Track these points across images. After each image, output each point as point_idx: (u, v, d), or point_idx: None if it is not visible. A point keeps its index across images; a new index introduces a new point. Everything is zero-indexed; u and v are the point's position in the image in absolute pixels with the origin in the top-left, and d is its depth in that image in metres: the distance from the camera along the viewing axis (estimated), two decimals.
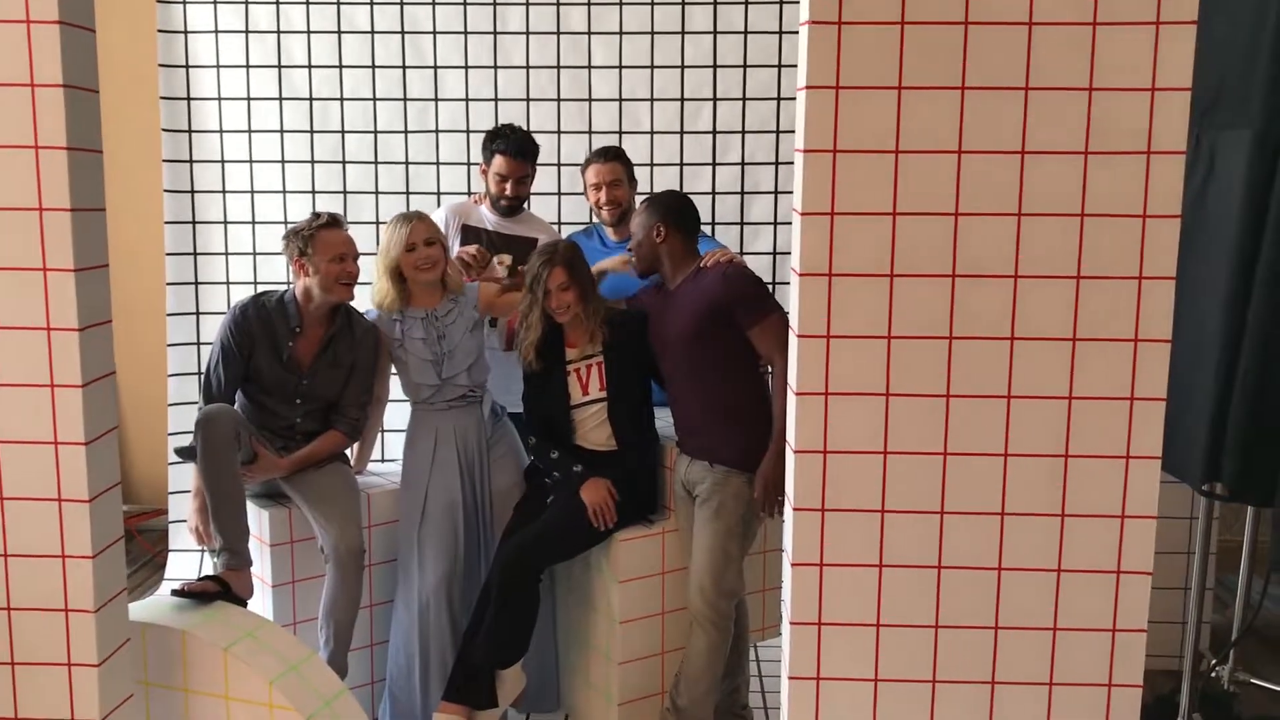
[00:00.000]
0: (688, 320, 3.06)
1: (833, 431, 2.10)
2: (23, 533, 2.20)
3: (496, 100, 4.42)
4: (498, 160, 3.59)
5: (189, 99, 4.45)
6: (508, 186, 3.60)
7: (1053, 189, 2.01)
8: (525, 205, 3.76)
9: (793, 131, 4.16)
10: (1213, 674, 3.15)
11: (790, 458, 2.16)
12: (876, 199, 2.03)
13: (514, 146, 3.60)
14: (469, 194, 4.35)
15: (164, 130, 4.45)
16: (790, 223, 4.27)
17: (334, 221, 3.20)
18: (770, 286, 3.75)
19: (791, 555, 2.16)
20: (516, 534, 3.19)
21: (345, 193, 4.43)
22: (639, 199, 3.48)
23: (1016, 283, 2.04)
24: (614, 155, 3.64)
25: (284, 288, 3.29)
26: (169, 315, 4.51)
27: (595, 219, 3.80)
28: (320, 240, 3.13)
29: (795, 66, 4.22)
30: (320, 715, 2.57)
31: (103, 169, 2.24)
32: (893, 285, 2.05)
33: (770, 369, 3.08)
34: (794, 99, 4.35)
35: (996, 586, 2.15)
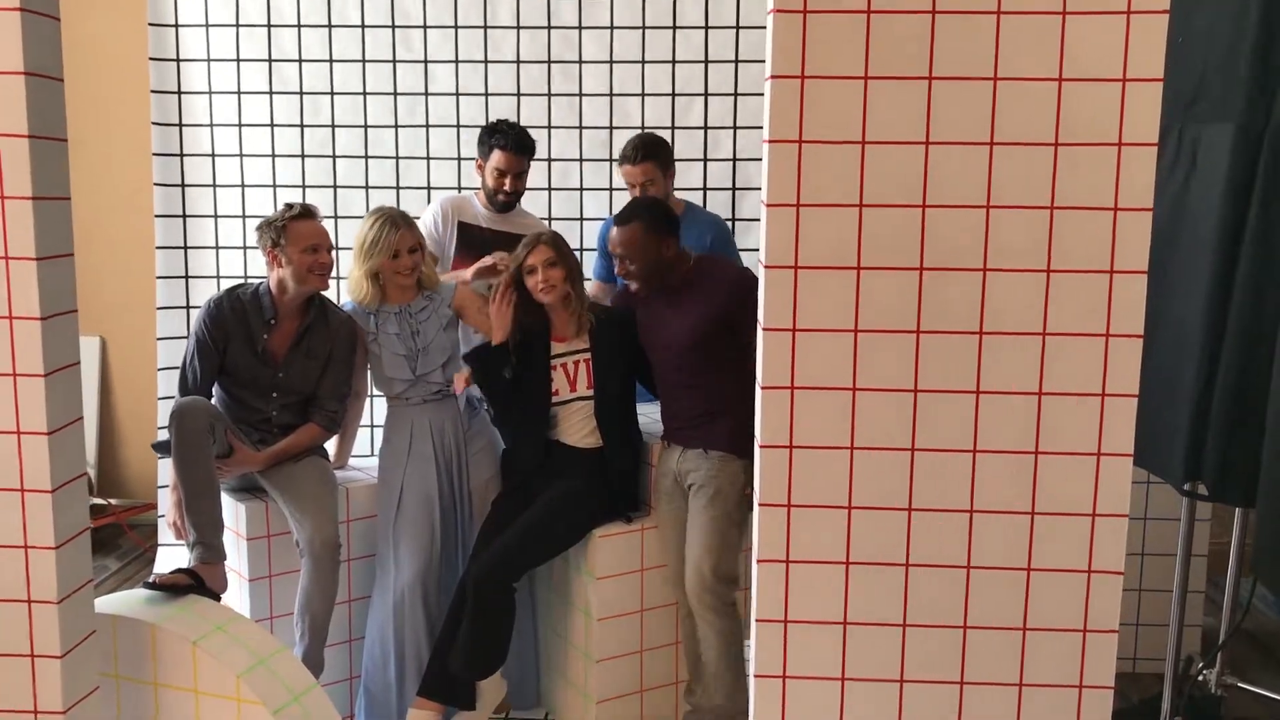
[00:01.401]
0: (691, 328, 3.06)
1: (799, 426, 2.07)
2: None
3: (487, 95, 4.40)
4: (496, 155, 3.58)
5: (179, 92, 4.44)
6: (506, 181, 3.60)
7: (1022, 181, 1.98)
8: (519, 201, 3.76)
9: None
10: (1200, 677, 3.11)
11: (756, 453, 2.13)
12: (843, 190, 2.00)
13: (513, 142, 3.60)
14: (459, 189, 4.34)
15: (154, 124, 4.44)
16: None
17: (306, 212, 3.19)
18: None
19: (757, 552, 2.13)
20: (492, 543, 3.15)
21: (335, 187, 4.41)
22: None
23: (985, 276, 2.01)
24: (646, 155, 3.59)
25: (257, 282, 3.28)
26: (159, 309, 4.50)
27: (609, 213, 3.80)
28: (292, 231, 3.12)
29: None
30: (288, 710, 2.55)
31: (67, 157, 2.22)
32: (859, 278, 2.02)
33: None
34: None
35: (966, 585, 2.12)
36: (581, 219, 4.42)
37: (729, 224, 4.31)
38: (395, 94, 4.41)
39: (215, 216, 4.49)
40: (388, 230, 3.20)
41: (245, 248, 4.49)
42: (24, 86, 2.07)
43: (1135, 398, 2.03)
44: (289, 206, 3.20)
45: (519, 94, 4.41)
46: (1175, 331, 2.57)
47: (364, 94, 4.40)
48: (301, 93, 4.40)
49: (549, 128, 4.40)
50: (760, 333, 2.06)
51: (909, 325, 2.03)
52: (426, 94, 4.40)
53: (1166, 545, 3.57)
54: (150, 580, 2.74)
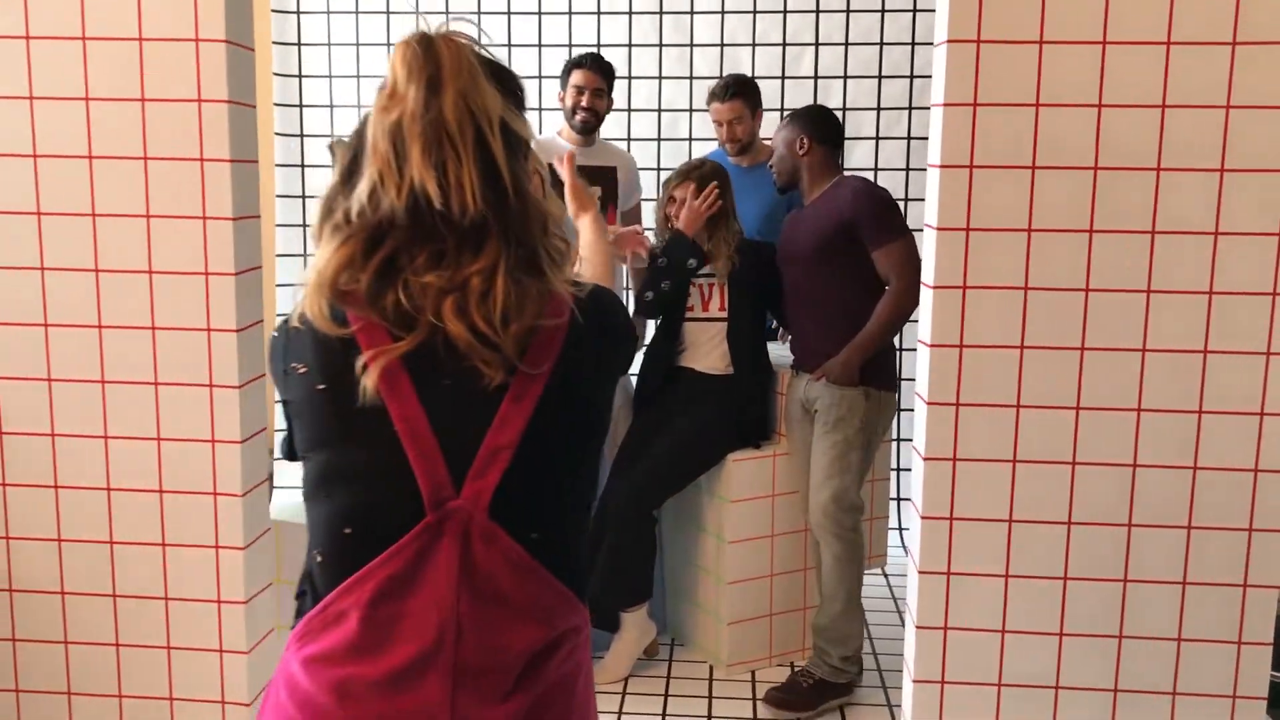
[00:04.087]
0: (814, 235, 3.09)
1: (965, 386, 2.12)
2: (177, 418, 2.30)
3: (599, 46, 4.46)
4: (574, 74, 3.65)
5: (300, 76, 4.56)
6: (584, 98, 3.63)
7: (1199, 80, 2.01)
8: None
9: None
10: None
11: (921, 409, 2.18)
12: (1020, 92, 2.04)
13: (590, 60, 3.68)
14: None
15: (276, 105, 4.55)
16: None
17: None
18: None
19: (921, 509, 2.18)
20: (627, 472, 3.23)
21: None
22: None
23: (1159, 176, 2.05)
24: (735, 93, 3.66)
25: None
26: (277, 286, 4.63)
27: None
28: None
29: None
30: None
31: (256, 127, 2.33)
32: (1034, 177, 2.06)
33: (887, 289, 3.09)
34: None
35: (1127, 539, 2.16)
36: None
37: None
38: (509, 45, 4.49)
39: (302, 166, 4.60)
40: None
41: None
42: (224, 54, 2.17)
43: None
44: None
45: (630, 45, 4.47)
46: None
47: (479, 45, 4.48)
48: (389, 45, 4.49)
49: (659, 78, 4.46)
50: (928, 294, 2.11)
51: (1082, 225, 2.07)
52: (540, 46, 4.48)
53: None
54: None
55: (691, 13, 4.44)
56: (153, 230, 2.24)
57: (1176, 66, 2.00)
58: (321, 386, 1.15)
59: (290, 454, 1.24)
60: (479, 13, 4.47)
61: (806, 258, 3.12)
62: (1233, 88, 2.00)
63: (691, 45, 4.45)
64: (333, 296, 1.15)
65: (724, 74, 4.42)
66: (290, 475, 4.49)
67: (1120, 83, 2.01)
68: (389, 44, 4.49)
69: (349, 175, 1.17)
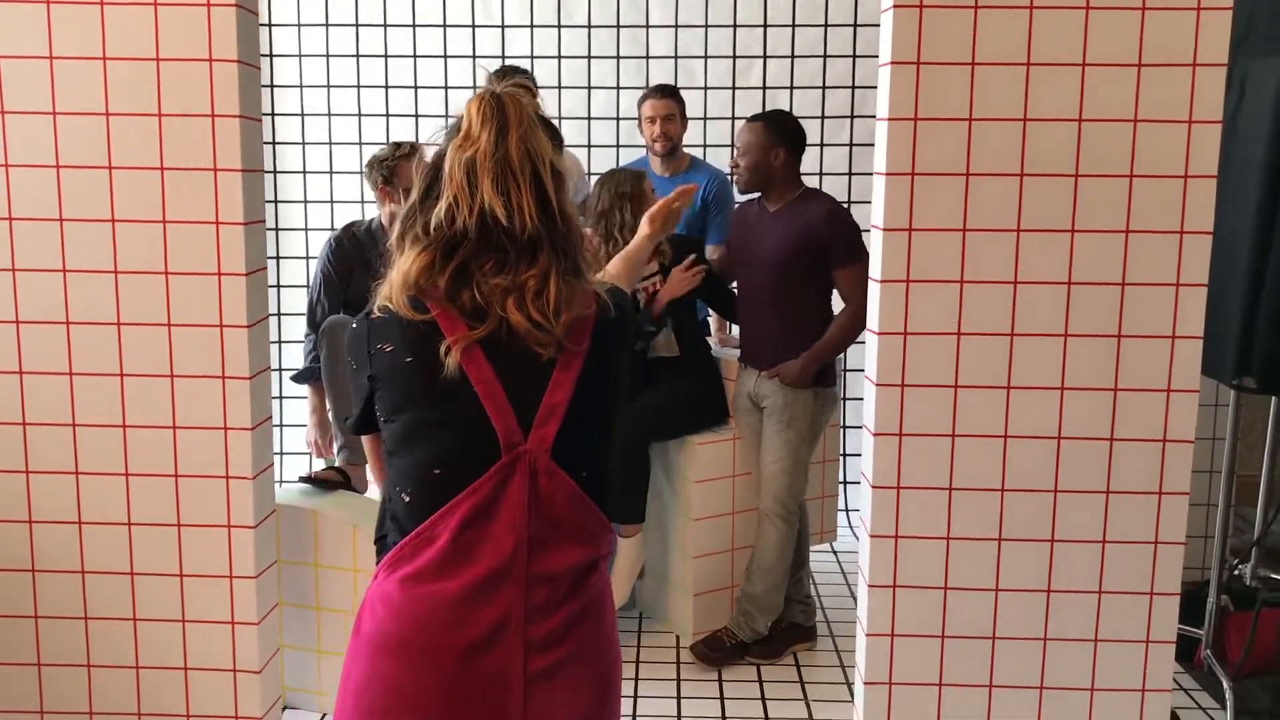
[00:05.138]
0: (783, 245, 3.33)
1: (909, 369, 2.38)
2: (192, 407, 2.49)
3: (560, 58, 4.69)
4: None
5: (270, 56, 4.73)
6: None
7: (1108, 98, 2.29)
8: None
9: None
10: (1235, 572, 3.44)
11: (870, 390, 2.44)
12: (956, 109, 2.31)
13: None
14: None
15: None
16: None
17: (414, 150, 3.48)
18: None
19: (872, 479, 2.44)
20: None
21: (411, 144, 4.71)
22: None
23: (1077, 182, 2.32)
24: (669, 92, 3.94)
25: (369, 218, 3.58)
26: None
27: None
28: (404, 170, 3.42)
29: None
30: None
31: (262, 134, 2.55)
32: (968, 184, 2.33)
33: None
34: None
35: (1057, 453, 2.43)
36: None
37: None
38: (474, 57, 4.71)
39: (304, 172, 4.78)
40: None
41: (332, 202, 4.78)
42: (236, 73, 2.38)
43: (1205, 287, 2.35)
44: (397, 145, 3.50)
45: (589, 56, 4.71)
46: (1224, 246, 2.88)
47: (444, 57, 4.70)
48: (386, 56, 4.70)
49: (617, 88, 4.71)
50: (881, 233, 2.37)
51: (1010, 225, 2.34)
52: (503, 58, 4.70)
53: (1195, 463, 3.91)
54: (305, 475, 3.05)
55: (647, 27, 4.69)
56: (169, 235, 2.43)
57: (1091, 86, 2.28)
58: (409, 359, 1.42)
59: (361, 427, 1.49)
60: (444, 25, 4.68)
61: (770, 262, 3.36)
62: (1139, 104, 2.28)
63: (647, 58, 4.70)
64: (415, 292, 1.44)
65: (677, 84, 4.68)
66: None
67: (1042, 100, 2.29)
68: (358, 55, 4.68)
69: (425, 198, 1.43)
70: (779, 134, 3.38)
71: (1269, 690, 3.08)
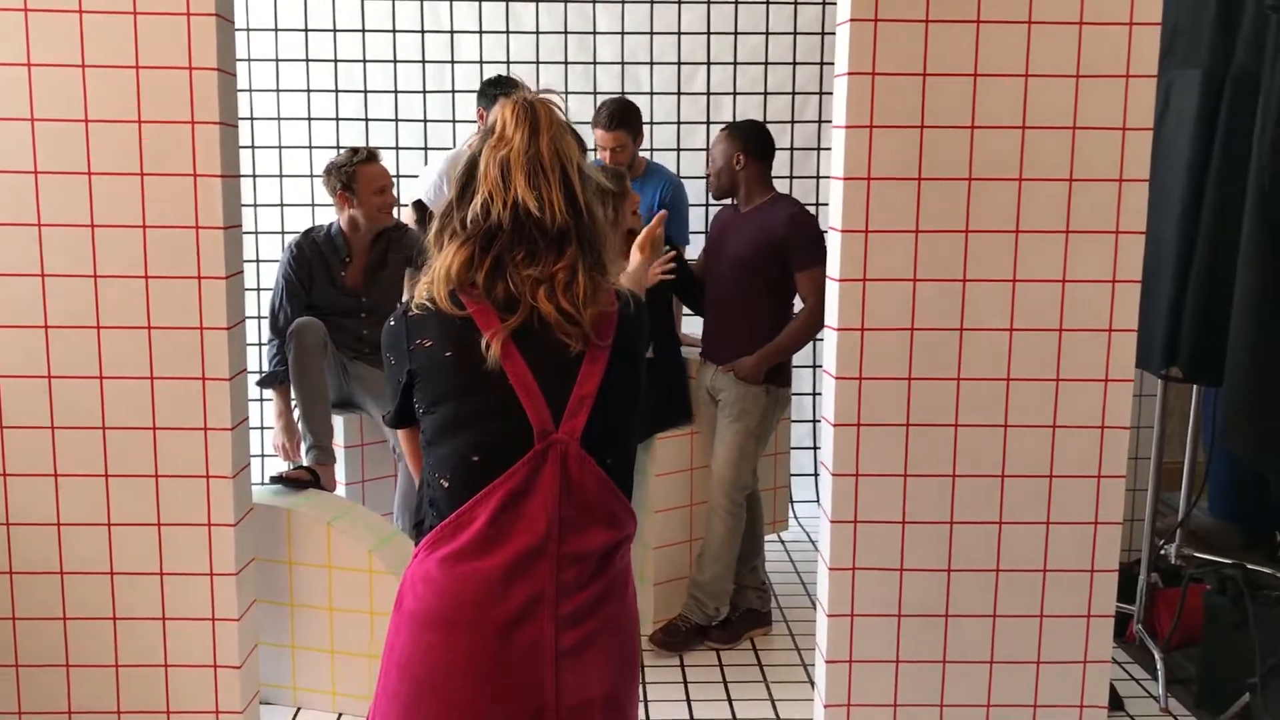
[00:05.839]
0: (748, 245, 3.46)
1: (866, 363, 2.52)
2: (173, 409, 2.54)
3: (509, 63, 4.78)
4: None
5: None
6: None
7: (1050, 107, 2.45)
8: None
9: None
10: (1161, 552, 3.65)
11: (830, 384, 2.57)
12: (907, 116, 2.45)
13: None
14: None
15: None
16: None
17: (372, 156, 3.55)
18: None
19: (832, 467, 2.57)
20: None
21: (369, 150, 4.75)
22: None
23: (1021, 185, 2.48)
24: (617, 123, 3.89)
25: (328, 223, 3.64)
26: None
27: None
28: (361, 175, 3.48)
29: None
30: None
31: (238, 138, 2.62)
32: (920, 188, 2.48)
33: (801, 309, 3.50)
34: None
35: (1001, 488, 2.57)
36: None
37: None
38: (424, 61, 4.77)
39: (254, 176, 4.80)
40: None
41: (282, 205, 4.81)
42: (216, 81, 2.45)
43: (1139, 283, 2.52)
44: (355, 151, 3.56)
45: (537, 62, 4.80)
46: (1153, 246, 3.07)
47: (394, 61, 4.76)
48: (336, 60, 4.74)
49: (565, 93, 4.80)
50: (839, 234, 2.51)
51: (959, 226, 2.49)
52: (453, 62, 4.77)
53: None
54: (276, 475, 3.10)
55: (594, 33, 4.79)
56: (149, 239, 2.48)
57: (1033, 95, 2.44)
58: (449, 354, 1.51)
59: (398, 421, 1.58)
60: (394, 31, 4.73)
61: (734, 261, 3.49)
62: (1078, 112, 2.44)
63: (595, 63, 4.80)
64: (455, 286, 1.53)
65: (624, 90, 4.79)
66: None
67: (989, 108, 2.44)
68: (336, 60, 4.71)
69: (461, 196, 1.52)
70: (742, 141, 3.52)
71: (1195, 661, 3.28)
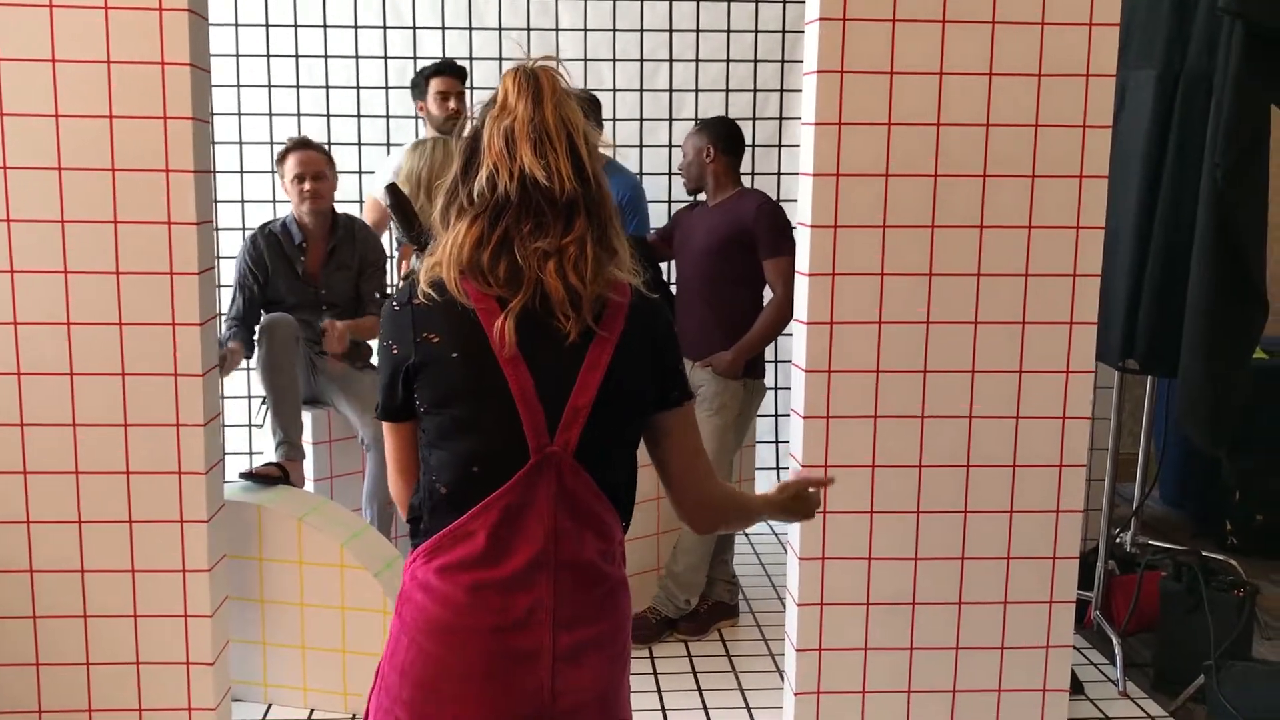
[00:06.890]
0: (716, 236, 3.49)
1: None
2: (145, 405, 2.53)
3: (471, 59, 4.78)
4: (435, 82, 3.94)
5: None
6: (451, 102, 3.93)
7: (1012, 105, 2.51)
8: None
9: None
10: (1117, 540, 3.74)
11: (800, 376, 2.61)
12: (875, 116, 2.50)
13: (446, 65, 4.00)
14: None
15: None
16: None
17: (296, 145, 3.55)
18: None
19: (801, 459, 2.62)
20: None
21: (329, 144, 4.74)
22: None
23: (985, 181, 2.54)
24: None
25: (281, 216, 3.68)
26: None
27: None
28: (283, 164, 3.51)
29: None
30: (384, 574, 2.94)
31: (210, 135, 2.59)
32: (888, 185, 2.53)
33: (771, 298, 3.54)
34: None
35: (966, 478, 2.64)
36: None
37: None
38: (385, 58, 4.76)
39: (241, 172, 4.76)
40: None
41: (243, 201, 4.78)
42: (189, 77, 2.44)
43: (1099, 277, 2.59)
44: (290, 139, 3.59)
45: (500, 59, 4.80)
46: (1109, 239, 3.15)
47: (356, 57, 4.74)
48: (297, 56, 4.72)
49: None
50: (809, 230, 2.55)
51: (925, 221, 2.54)
52: (415, 58, 4.76)
53: None
54: (245, 472, 3.09)
55: (557, 30, 4.80)
56: (120, 235, 2.47)
57: (997, 94, 2.50)
58: (455, 355, 1.48)
59: (390, 415, 1.55)
60: (355, 27, 4.72)
61: (703, 253, 3.52)
62: (1040, 110, 2.51)
63: (558, 60, 4.76)
64: (465, 268, 1.48)
65: (587, 85, 4.81)
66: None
67: (954, 107, 2.49)
68: (297, 55, 4.69)
69: (465, 171, 1.50)
70: (713, 136, 3.56)
71: (1151, 645, 3.36)
